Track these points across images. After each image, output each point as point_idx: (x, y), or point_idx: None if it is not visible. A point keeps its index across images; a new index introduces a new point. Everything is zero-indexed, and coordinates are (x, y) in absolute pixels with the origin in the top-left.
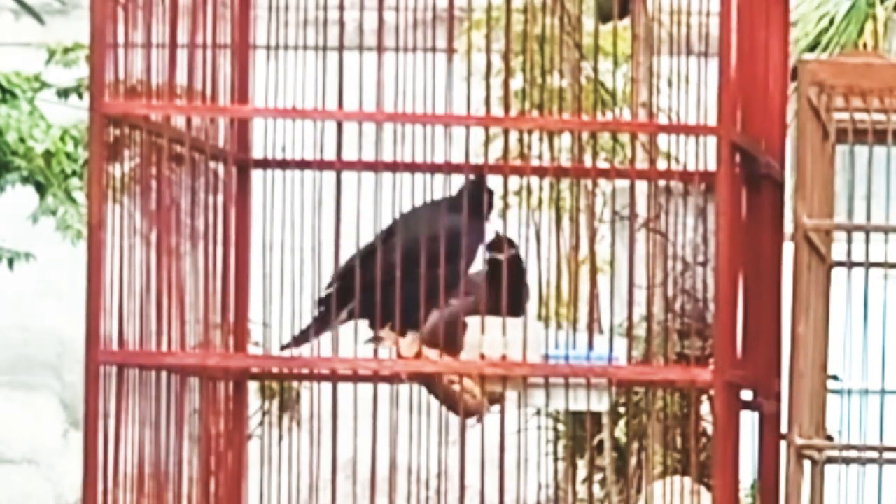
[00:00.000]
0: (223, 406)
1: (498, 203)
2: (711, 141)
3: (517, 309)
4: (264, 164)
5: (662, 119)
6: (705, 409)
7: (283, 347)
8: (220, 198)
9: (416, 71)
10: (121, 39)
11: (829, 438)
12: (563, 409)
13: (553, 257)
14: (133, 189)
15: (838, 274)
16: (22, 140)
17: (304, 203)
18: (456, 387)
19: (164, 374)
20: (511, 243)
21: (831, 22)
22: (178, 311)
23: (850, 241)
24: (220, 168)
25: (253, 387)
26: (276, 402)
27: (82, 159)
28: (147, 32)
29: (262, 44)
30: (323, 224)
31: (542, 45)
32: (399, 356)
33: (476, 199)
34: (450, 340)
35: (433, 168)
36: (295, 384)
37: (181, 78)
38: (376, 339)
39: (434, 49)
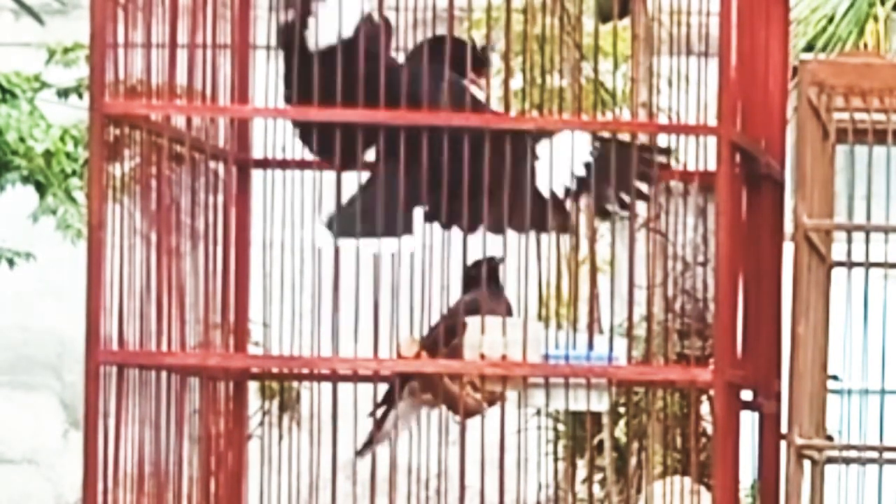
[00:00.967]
0: (223, 406)
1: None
2: (711, 141)
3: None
4: (264, 164)
5: (662, 119)
6: (705, 409)
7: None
8: (220, 198)
9: None
10: (121, 39)
11: (829, 438)
12: (563, 409)
13: (553, 257)
14: (133, 189)
15: (838, 274)
16: (22, 140)
17: (304, 203)
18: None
19: (164, 374)
20: (491, 260)
21: (830, 21)
22: (178, 311)
23: (850, 241)
24: (220, 168)
25: (253, 387)
26: (276, 402)
27: (82, 159)
28: (147, 32)
29: (262, 44)
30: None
31: (542, 45)
32: (399, 356)
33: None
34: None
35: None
36: (295, 384)
37: (181, 78)
38: None
39: None
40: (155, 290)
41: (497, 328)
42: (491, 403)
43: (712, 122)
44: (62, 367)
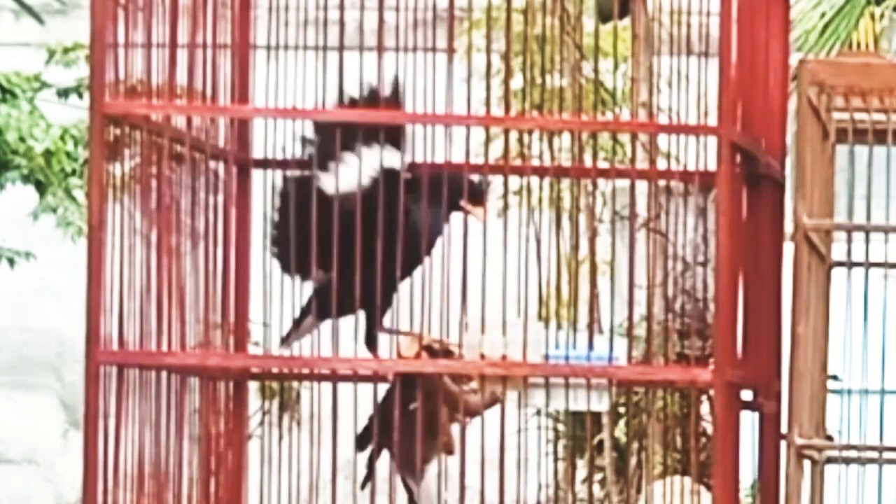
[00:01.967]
0: (223, 406)
1: (498, 203)
2: (711, 141)
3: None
4: (264, 164)
5: (662, 119)
6: (705, 409)
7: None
8: (220, 198)
9: (417, 71)
10: (121, 39)
11: (829, 438)
12: (563, 409)
13: (553, 257)
14: (133, 189)
15: (838, 274)
16: (22, 139)
17: None
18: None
19: (164, 374)
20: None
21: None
22: (178, 311)
23: (850, 241)
24: (220, 168)
25: (253, 387)
26: (276, 402)
27: (82, 158)
28: (147, 32)
29: (262, 44)
30: None
31: (542, 45)
32: (399, 356)
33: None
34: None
35: (433, 168)
36: (295, 384)
37: (181, 78)
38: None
39: (434, 49)
40: (155, 290)
41: (497, 328)
42: (490, 404)
43: (712, 122)
44: (62, 368)
